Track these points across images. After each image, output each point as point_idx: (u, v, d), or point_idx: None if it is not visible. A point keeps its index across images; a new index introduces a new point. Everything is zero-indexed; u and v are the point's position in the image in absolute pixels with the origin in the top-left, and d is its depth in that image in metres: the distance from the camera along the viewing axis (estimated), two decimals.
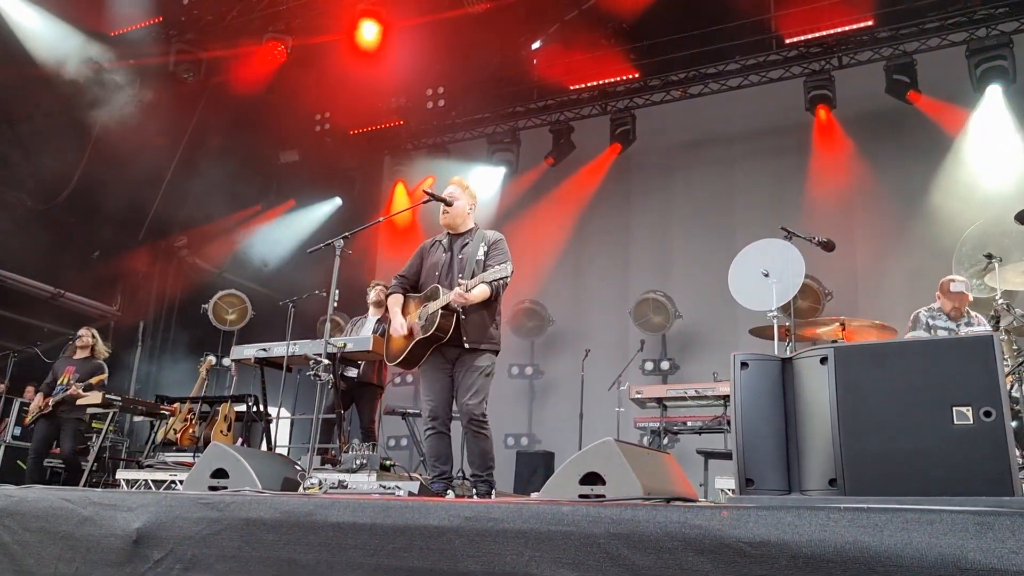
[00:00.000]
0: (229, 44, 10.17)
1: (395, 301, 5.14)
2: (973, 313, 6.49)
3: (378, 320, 7.53)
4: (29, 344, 9.25)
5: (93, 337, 8.29)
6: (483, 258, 4.88)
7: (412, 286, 5.17)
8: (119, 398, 7.51)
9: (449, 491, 4.74)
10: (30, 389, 8.92)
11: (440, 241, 5.20)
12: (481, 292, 4.72)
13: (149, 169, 10.27)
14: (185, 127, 10.38)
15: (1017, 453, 4.73)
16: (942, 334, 6.32)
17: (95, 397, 7.49)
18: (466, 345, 4.77)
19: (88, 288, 11.07)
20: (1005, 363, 5.23)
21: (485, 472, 4.80)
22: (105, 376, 8.00)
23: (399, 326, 4.98)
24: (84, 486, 7.23)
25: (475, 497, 4.66)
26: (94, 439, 8.37)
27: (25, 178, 9.87)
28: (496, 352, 4.96)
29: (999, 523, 1.89)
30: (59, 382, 7.85)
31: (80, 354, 8.21)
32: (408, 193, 12.20)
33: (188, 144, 10.83)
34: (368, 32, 9.65)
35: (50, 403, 7.71)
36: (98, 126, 9.87)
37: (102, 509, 3.24)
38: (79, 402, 7.63)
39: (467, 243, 5.05)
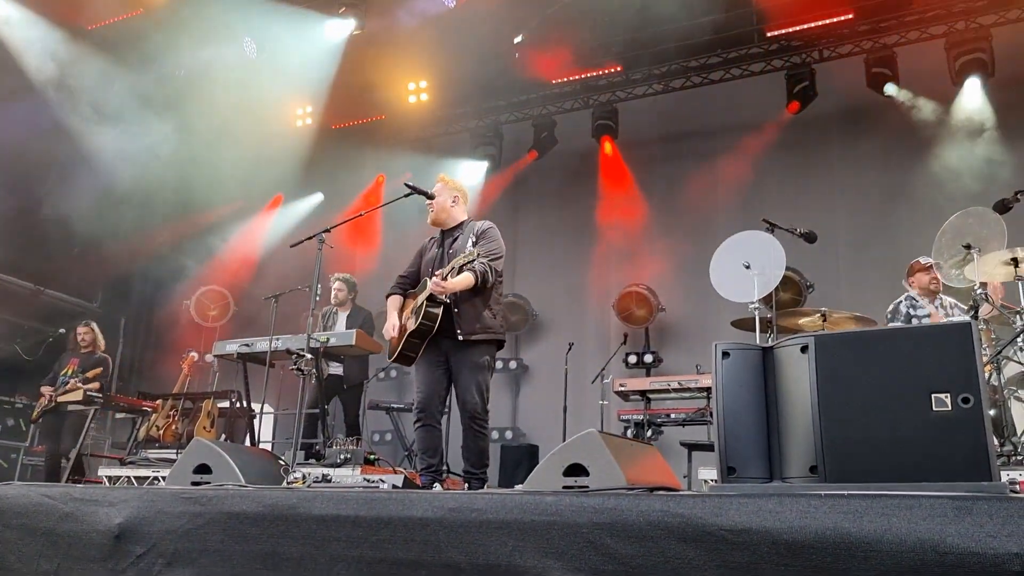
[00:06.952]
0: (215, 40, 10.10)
1: (393, 303, 5.14)
2: (949, 299, 6.55)
3: (348, 315, 7.53)
4: (9, 342, 9.17)
5: (92, 332, 8.43)
6: (471, 249, 4.81)
7: (412, 285, 5.15)
8: (100, 395, 7.46)
9: (436, 485, 4.72)
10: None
11: (435, 238, 5.21)
12: (463, 279, 4.68)
13: (129, 164, 10.16)
14: (164, 121, 10.27)
15: (995, 440, 4.80)
16: (924, 322, 6.37)
17: (77, 394, 7.45)
18: (459, 337, 4.74)
19: (68, 284, 10.97)
20: (984, 352, 5.28)
21: (479, 470, 4.81)
22: (101, 370, 8.04)
23: (390, 327, 4.98)
24: (65, 482, 7.19)
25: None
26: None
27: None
28: (495, 343, 4.91)
29: (977, 507, 1.91)
30: (61, 373, 7.95)
31: (84, 349, 8.39)
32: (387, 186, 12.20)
33: (167, 138, 10.73)
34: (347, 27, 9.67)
35: (55, 397, 7.72)
36: (76, 121, 9.78)
37: (83, 505, 3.21)
38: (62, 398, 7.60)
39: (457, 236, 5.05)
